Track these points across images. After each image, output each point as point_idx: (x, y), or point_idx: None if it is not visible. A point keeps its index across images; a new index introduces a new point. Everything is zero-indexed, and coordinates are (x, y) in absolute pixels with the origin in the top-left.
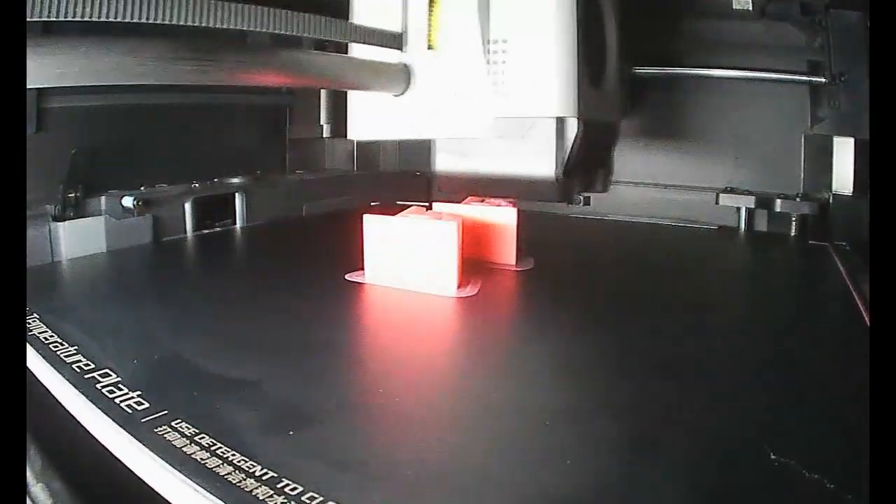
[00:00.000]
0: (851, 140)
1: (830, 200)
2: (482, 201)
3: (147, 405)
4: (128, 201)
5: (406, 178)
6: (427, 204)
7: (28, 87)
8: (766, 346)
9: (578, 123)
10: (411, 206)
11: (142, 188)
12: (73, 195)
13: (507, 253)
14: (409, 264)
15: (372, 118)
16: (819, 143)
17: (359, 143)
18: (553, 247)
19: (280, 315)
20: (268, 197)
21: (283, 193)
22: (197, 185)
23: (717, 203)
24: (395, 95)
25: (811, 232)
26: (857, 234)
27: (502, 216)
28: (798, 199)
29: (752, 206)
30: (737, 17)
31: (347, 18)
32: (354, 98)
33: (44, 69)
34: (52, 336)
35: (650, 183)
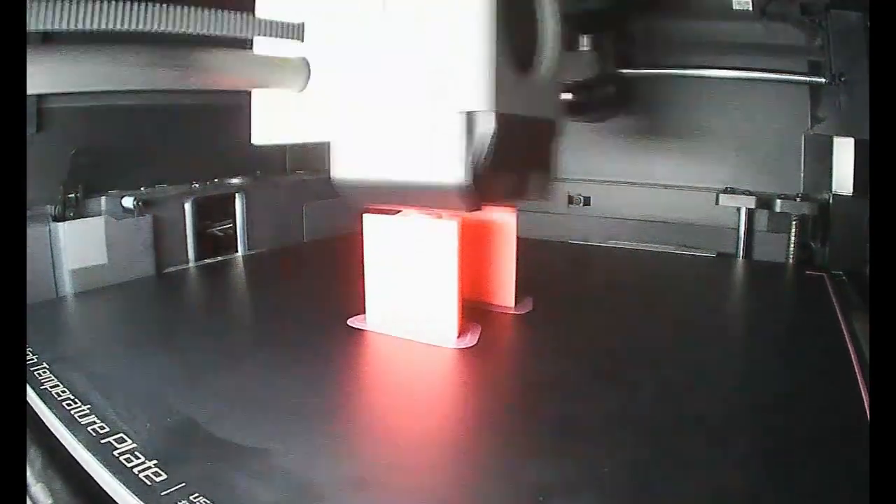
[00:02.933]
0: (851, 140)
1: (830, 200)
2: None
3: (165, 476)
4: (128, 201)
5: None
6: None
7: (28, 93)
8: (759, 408)
9: (494, 118)
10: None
11: (142, 188)
12: (73, 195)
13: (506, 293)
14: (409, 266)
15: (274, 120)
16: (819, 143)
17: None
18: (550, 283)
19: (285, 372)
20: (268, 197)
21: (283, 193)
22: (197, 185)
23: (717, 203)
24: (297, 92)
25: (810, 235)
26: (857, 242)
27: (502, 217)
28: (798, 200)
29: (752, 206)
30: (737, 17)
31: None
32: (257, 99)
33: (42, 75)
34: (64, 392)
35: (650, 183)
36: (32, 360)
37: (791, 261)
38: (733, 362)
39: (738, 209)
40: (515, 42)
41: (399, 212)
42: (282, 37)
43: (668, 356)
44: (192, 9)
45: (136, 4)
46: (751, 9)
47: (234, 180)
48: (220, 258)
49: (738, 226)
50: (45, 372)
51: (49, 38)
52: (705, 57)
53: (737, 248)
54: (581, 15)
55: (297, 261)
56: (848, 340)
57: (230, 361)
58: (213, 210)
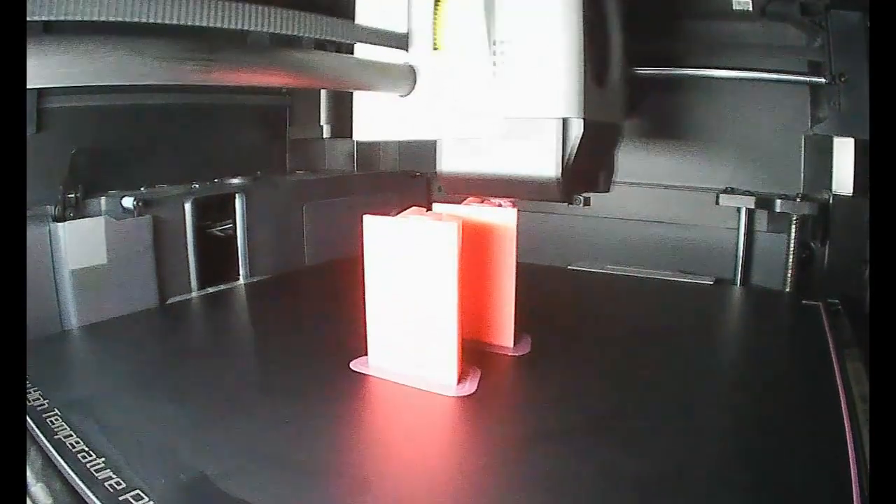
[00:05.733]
0: (851, 140)
1: (830, 200)
2: (482, 201)
3: None
4: (128, 202)
5: (406, 178)
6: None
7: (28, 87)
8: (749, 462)
9: (582, 124)
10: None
11: (142, 188)
12: (72, 195)
13: (504, 331)
14: (409, 268)
15: (377, 119)
16: (819, 143)
17: (359, 144)
18: (547, 317)
19: (292, 424)
20: (268, 197)
21: (284, 194)
22: (197, 185)
23: (717, 203)
24: (401, 96)
25: (810, 235)
26: (857, 242)
27: (502, 217)
28: (798, 200)
29: (752, 206)
30: (737, 17)
31: (351, 18)
32: (360, 99)
33: (44, 69)
34: (78, 443)
35: (650, 183)
36: (43, 404)
37: (791, 262)
38: (727, 409)
39: (738, 209)
40: (595, 59)
41: (399, 213)
42: (389, 46)
43: (662, 402)
44: (302, 13)
45: (245, 4)
46: (751, 9)
47: (234, 180)
48: (222, 286)
49: (738, 226)
50: (57, 419)
51: (49, 29)
52: (706, 57)
53: (737, 248)
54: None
55: (300, 291)
56: (839, 382)
57: (238, 410)
58: (213, 210)
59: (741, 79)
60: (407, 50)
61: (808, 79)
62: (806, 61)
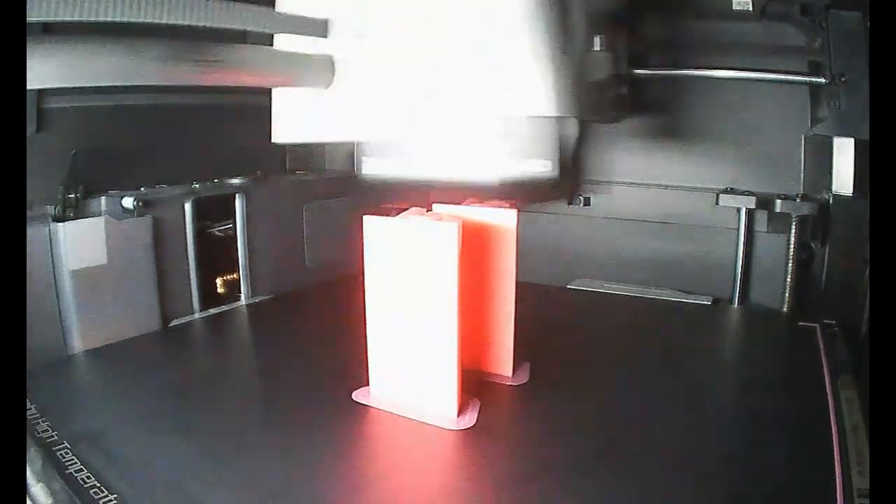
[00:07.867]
0: (851, 140)
1: (830, 201)
2: (481, 202)
3: None
4: (128, 202)
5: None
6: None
7: (28, 87)
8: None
9: (578, 123)
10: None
11: (142, 188)
12: (72, 196)
13: (503, 359)
14: (409, 269)
15: (297, 118)
16: (819, 143)
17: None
18: (546, 341)
19: (299, 461)
20: (268, 197)
21: (284, 194)
22: (197, 185)
23: (717, 203)
24: (323, 90)
25: (810, 235)
26: (857, 242)
27: (503, 217)
28: (798, 200)
29: (753, 206)
30: (737, 18)
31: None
32: (278, 95)
33: (44, 69)
34: (90, 479)
35: (650, 184)
36: (52, 437)
37: (791, 263)
38: (722, 443)
39: (738, 209)
40: (566, 49)
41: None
42: (305, 33)
43: (656, 435)
44: (208, 1)
45: None
46: (751, 9)
47: (234, 180)
48: (224, 307)
49: (739, 226)
50: (67, 453)
51: (49, 30)
52: (705, 57)
53: (736, 249)
54: (593, 14)
55: (305, 314)
56: (832, 413)
57: (245, 444)
58: (213, 210)
59: (741, 79)
60: (325, 37)
61: (808, 79)
62: (806, 61)
